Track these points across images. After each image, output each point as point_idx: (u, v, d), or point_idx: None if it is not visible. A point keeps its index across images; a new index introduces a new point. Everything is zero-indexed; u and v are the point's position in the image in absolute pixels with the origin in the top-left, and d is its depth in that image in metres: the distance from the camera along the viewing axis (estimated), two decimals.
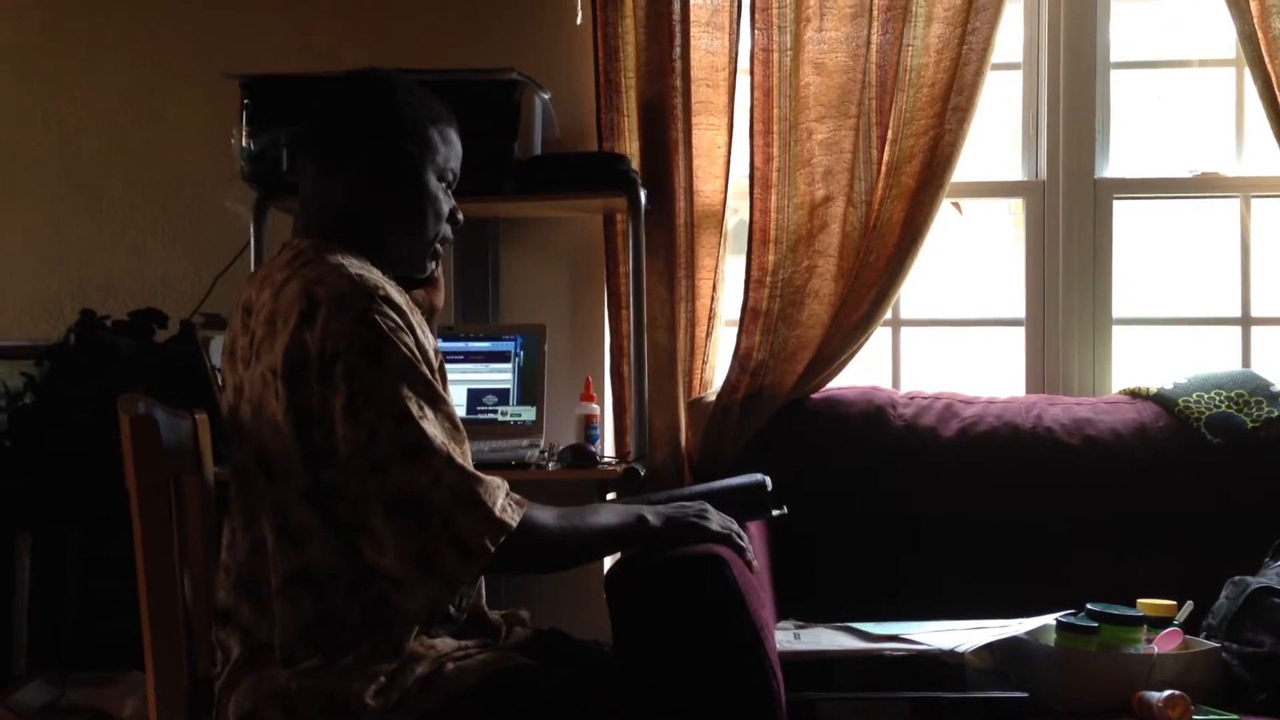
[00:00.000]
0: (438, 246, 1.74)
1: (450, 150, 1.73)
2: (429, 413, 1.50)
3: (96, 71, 2.87)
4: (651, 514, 1.71)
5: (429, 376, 1.52)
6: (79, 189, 2.88)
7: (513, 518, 1.51)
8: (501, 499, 1.52)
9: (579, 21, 2.70)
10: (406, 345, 1.51)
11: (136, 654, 1.52)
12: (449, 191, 1.74)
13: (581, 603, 2.46)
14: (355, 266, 1.56)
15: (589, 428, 2.54)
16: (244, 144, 2.42)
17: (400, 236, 1.69)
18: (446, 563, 1.47)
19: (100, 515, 2.24)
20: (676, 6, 2.59)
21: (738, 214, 2.72)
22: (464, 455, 1.53)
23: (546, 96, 2.65)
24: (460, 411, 2.51)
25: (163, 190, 2.86)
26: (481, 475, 1.51)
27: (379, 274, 1.60)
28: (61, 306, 2.84)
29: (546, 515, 1.59)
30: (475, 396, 2.61)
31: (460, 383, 2.61)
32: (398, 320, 1.52)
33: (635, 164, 2.60)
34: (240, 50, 2.78)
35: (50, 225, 2.89)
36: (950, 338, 2.93)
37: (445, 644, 1.60)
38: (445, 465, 1.48)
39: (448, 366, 2.61)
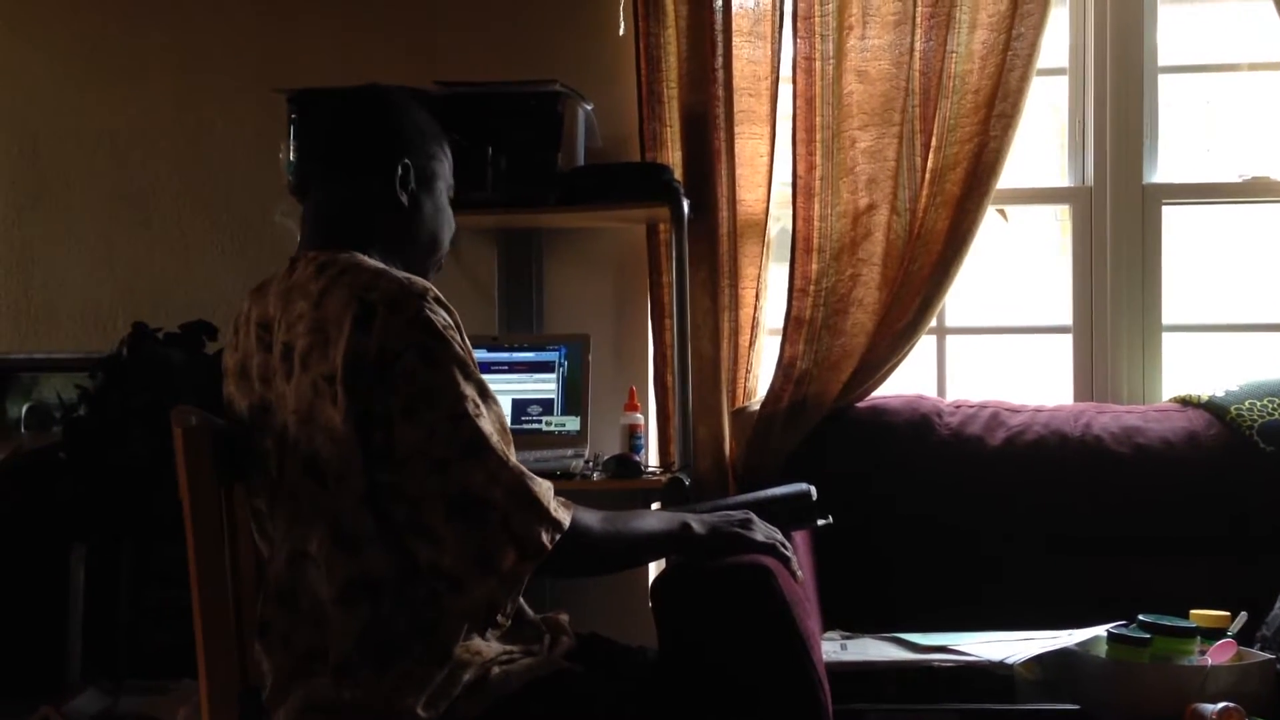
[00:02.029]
0: (441, 258, 1.77)
1: (450, 165, 1.76)
2: (484, 410, 1.51)
3: (146, 88, 2.92)
4: (696, 522, 1.72)
5: (480, 375, 1.54)
6: (130, 203, 2.93)
7: (565, 517, 1.53)
8: (552, 499, 1.53)
9: (621, 32, 2.71)
10: (459, 343, 1.53)
11: (189, 662, 1.53)
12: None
13: (623, 607, 2.46)
14: (397, 271, 1.57)
15: (633, 437, 2.54)
16: (291, 157, 2.45)
17: (415, 248, 1.70)
18: (505, 561, 1.48)
19: (153, 525, 2.27)
20: (718, 16, 2.60)
21: (780, 222, 2.72)
22: (514, 453, 1.54)
23: (589, 107, 2.66)
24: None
25: (212, 203, 2.90)
26: (533, 474, 1.53)
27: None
28: (114, 319, 2.89)
29: (592, 518, 1.60)
30: (520, 407, 2.62)
31: (505, 393, 2.62)
32: (448, 319, 1.53)
33: (678, 174, 2.60)
34: (287, 65, 2.81)
35: (102, 239, 2.93)
36: (996, 346, 2.91)
37: (490, 649, 1.60)
38: (501, 464, 1.49)
39: (493, 377, 2.66)
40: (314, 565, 1.53)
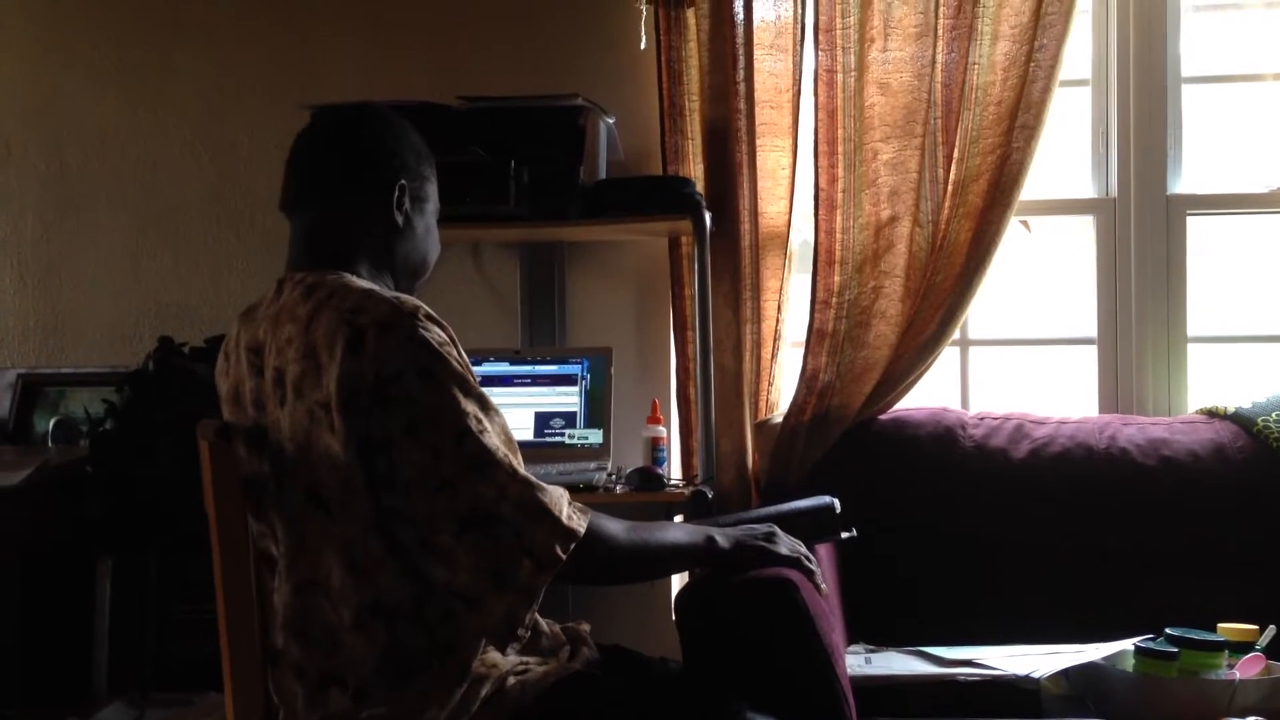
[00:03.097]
0: (425, 280, 1.76)
1: (436, 187, 1.75)
2: (486, 424, 1.50)
3: (172, 104, 2.95)
4: (720, 536, 1.71)
5: (480, 388, 1.53)
6: (156, 219, 2.95)
7: (580, 524, 1.52)
8: (566, 507, 1.52)
9: (643, 46, 2.72)
10: (455, 359, 1.51)
11: (215, 676, 1.53)
12: None
13: (646, 619, 2.46)
14: (385, 290, 1.56)
15: (656, 450, 2.54)
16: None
17: (404, 269, 1.69)
18: (521, 574, 1.47)
19: (179, 539, 2.28)
20: (740, 30, 2.60)
21: (802, 235, 2.72)
22: (521, 463, 1.53)
23: (611, 121, 2.67)
24: (527, 435, 2.58)
25: (237, 219, 2.92)
26: (544, 484, 1.51)
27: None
28: (140, 334, 2.92)
29: (615, 526, 1.59)
30: (542, 419, 2.63)
31: (527, 406, 2.63)
32: (443, 334, 1.52)
33: (700, 186, 2.61)
34: (312, 81, 2.84)
35: (128, 255, 2.96)
36: (1020, 357, 2.90)
37: (506, 661, 1.60)
38: (510, 478, 1.48)
39: (515, 390, 2.67)
40: (323, 594, 1.51)
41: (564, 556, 1.49)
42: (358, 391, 1.45)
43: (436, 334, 1.50)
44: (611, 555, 1.58)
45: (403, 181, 1.66)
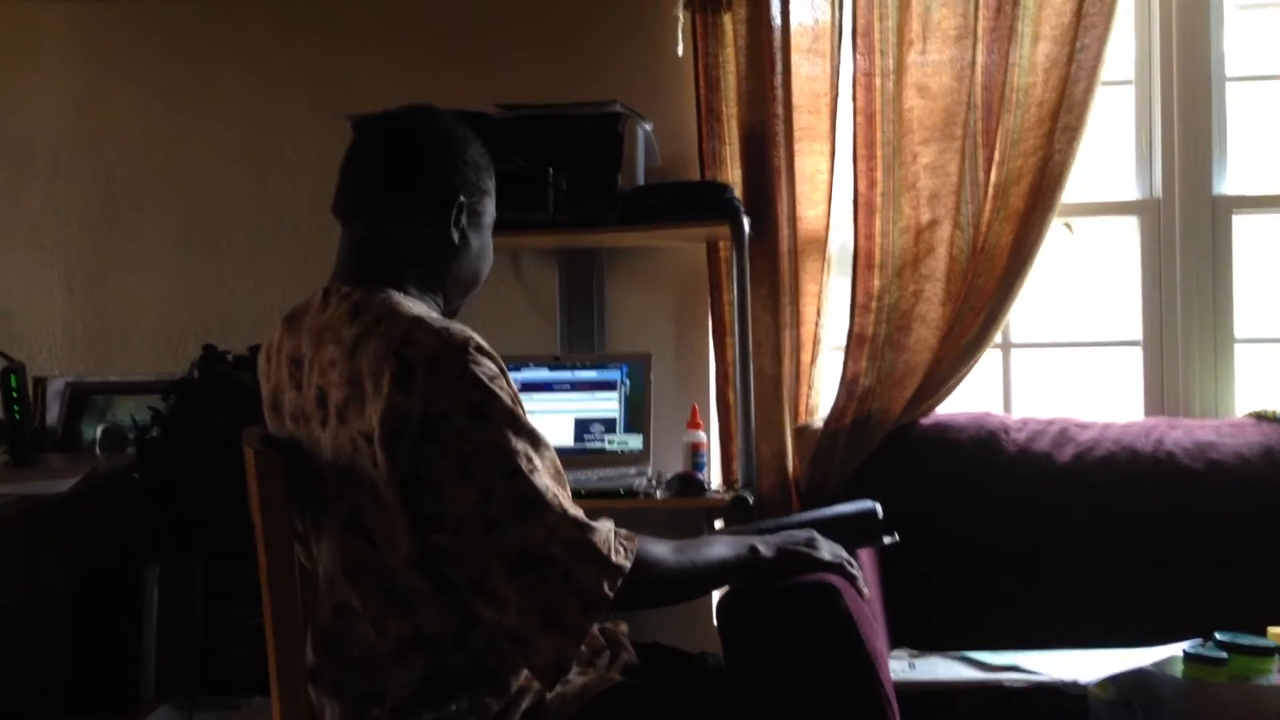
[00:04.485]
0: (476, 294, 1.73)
1: (494, 198, 1.70)
2: (537, 463, 1.46)
3: (215, 117, 2.98)
4: (763, 545, 1.70)
5: (530, 424, 1.49)
6: (200, 229, 2.99)
7: (626, 559, 1.48)
8: (613, 541, 1.49)
9: (680, 52, 2.72)
10: (507, 392, 1.47)
11: (261, 680, 1.54)
12: None
13: (683, 614, 2.44)
14: (434, 318, 1.51)
15: (696, 455, 2.54)
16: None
17: (456, 286, 1.66)
18: (569, 615, 1.43)
19: (226, 545, 2.31)
20: (777, 34, 2.60)
21: (841, 239, 2.71)
22: (570, 498, 1.50)
23: (649, 127, 2.68)
24: (567, 440, 2.59)
25: (280, 229, 2.95)
26: (592, 523, 1.48)
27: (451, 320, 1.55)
28: (185, 342, 2.95)
29: (661, 549, 1.57)
30: (582, 425, 2.63)
31: (567, 412, 2.63)
32: (494, 367, 1.48)
33: (738, 192, 2.61)
34: (351, 91, 2.86)
35: (173, 264, 3.00)
36: (1064, 360, 2.87)
37: None
38: (561, 520, 1.44)
39: (555, 395, 2.67)
40: (360, 620, 1.50)
41: (611, 595, 1.45)
42: (404, 428, 1.41)
43: (487, 367, 1.46)
44: (661, 580, 1.55)
45: (462, 199, 1.61)
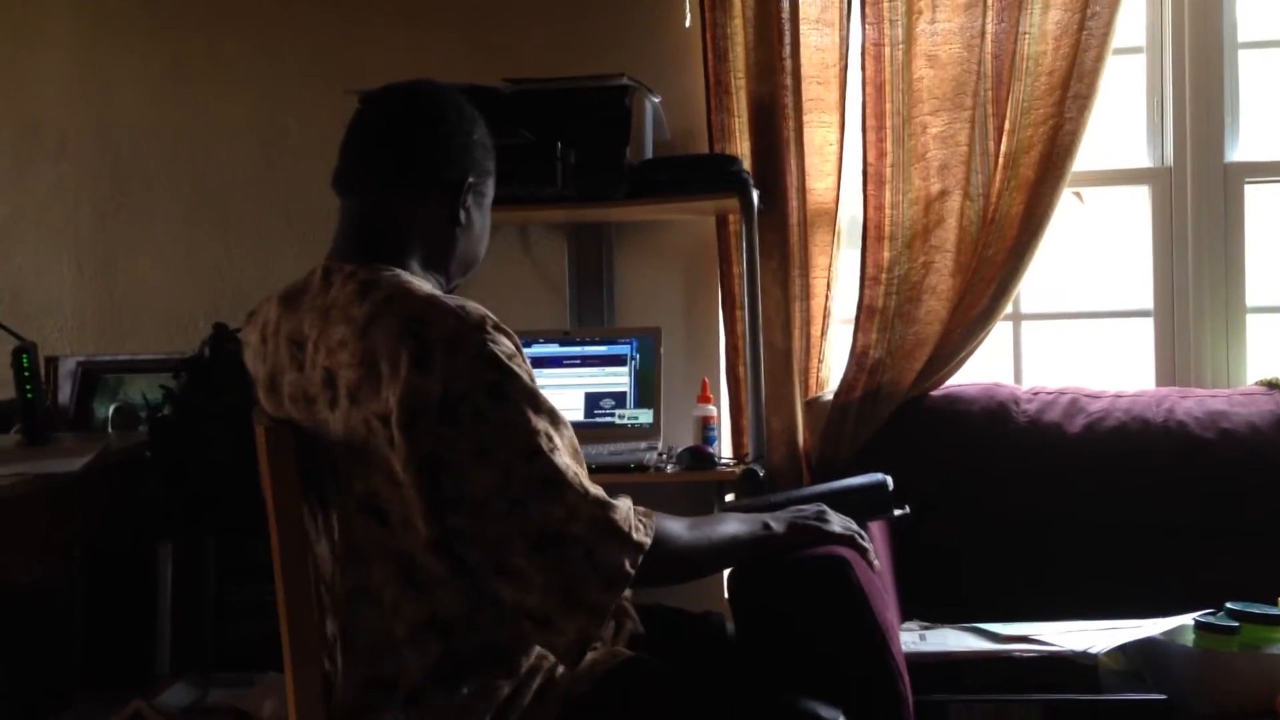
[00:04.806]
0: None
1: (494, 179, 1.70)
2: (557, 441, 1.46)
3: (223, 94, 2.98)
4: (775, 521, 1.70)
5: (549, 402, 1.48)
6: (208, 207, 2.99)
7: (646, 536, 1.48)
8: (633, 519, 1.49)
9: (688, 24, 2.71)
10: (524, 370, 1.46)
11: (274, 656, 1.55)
12: None
13: None
14: (447, 297, 1.49)
15: (706, 429, 2.54)
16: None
17: (458, 265, 1.66)
18: (591, 593, 1.43)
19: (238, 522, 2.32)
20: (785, 5, 2.58)
21: (850, 210, 2.70)
22: (588, 477, 1.49)
23: (657, 100, 2.66)
24: (578, 415, 2.59)
25: (288, 205, 2.95)
26: (611, 500, 1.48)
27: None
28: (195, 320, 2.96)
29: (677, 526, 1.57)
30: (593, 400, 2.64)
31: (577, 386, 2.64)
32: (510, 345, 1.47)
33: (747, 164, 2.59)
34: (358, 66, 2.85)
35: (182, 242, 3.00)
36: (1075, 331, 2.86)
37: None
38: (581, 498, 1.43)
39: (565, 371, 2.68)
40: (373, 602, 1.50)
41: (632, 571, 1.45)
42: (423, 410, 1.40)
43: (505, 345, 1.45)
44: (679, 557, 1.55)
45: (471, 179, 1.62)
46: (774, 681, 1.62)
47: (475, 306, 1.47)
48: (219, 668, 2.44)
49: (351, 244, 1.59)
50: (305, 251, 2.91)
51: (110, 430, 2.73)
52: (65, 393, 2.85)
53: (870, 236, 2.56)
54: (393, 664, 1.49)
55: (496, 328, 1.46)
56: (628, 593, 1.77)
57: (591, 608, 1.43)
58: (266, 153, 2.96)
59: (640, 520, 1.50)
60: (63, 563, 2.41)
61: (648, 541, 1.48)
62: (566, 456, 1.46)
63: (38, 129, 3.05)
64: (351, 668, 1.52)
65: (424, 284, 1.53)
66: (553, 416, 1.47)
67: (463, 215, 1.62)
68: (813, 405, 2.63)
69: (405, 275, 1.53)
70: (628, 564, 1.45)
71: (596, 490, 1.47)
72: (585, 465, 1.51)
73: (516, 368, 1.45)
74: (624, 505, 1.49)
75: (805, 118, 2.62)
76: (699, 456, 2.44)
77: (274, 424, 1.54)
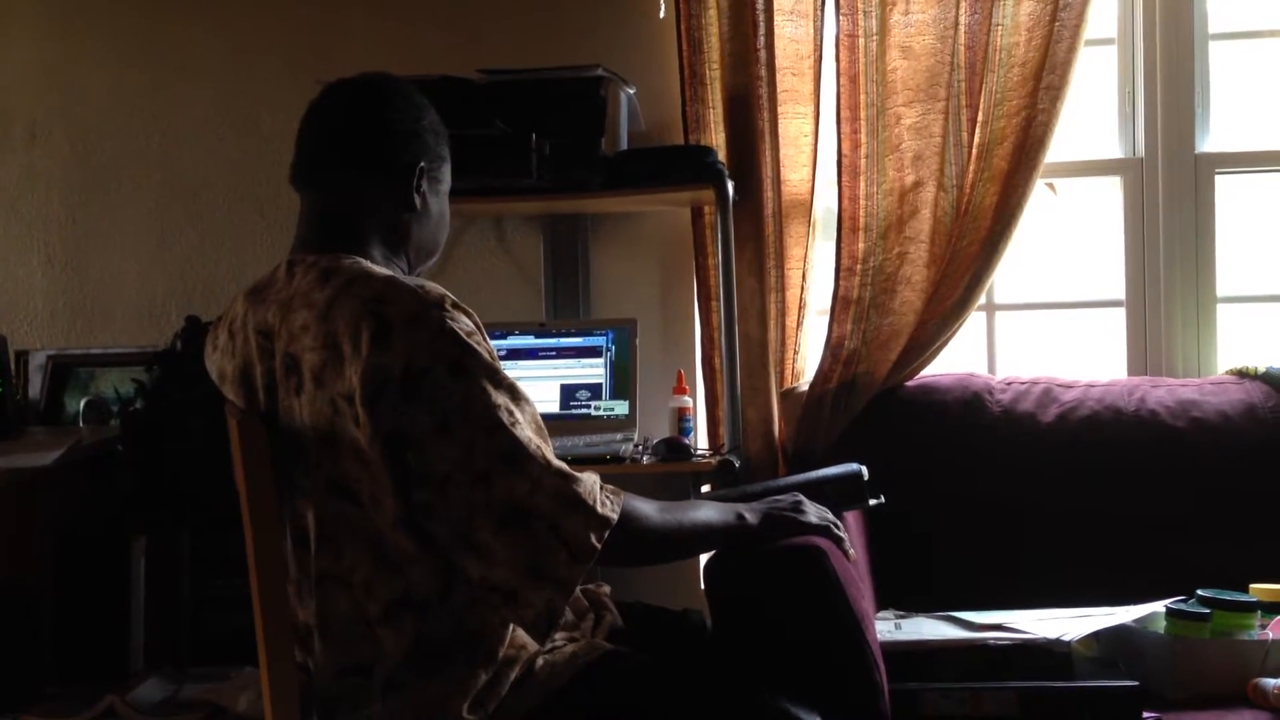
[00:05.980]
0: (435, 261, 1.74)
1: (449, 168, 1.72)
2: (519, 416, 1.47)
3: (194, 84, 2.95)
4: (749, 512, 1.71)
5: (509, 378, 1.49)
6: (179, 198, 2.97)
7: (613, 510, 1.49)
8: (599, 493, 1.50)
9: (662, 15, 2.71)
10: (484, 348, 1.48)
11: (249, 649, 1.54)
12: None
13: (666, 572, 2.44)
14: (407, 278, 1.51)
15: (682, 420, 2.54)
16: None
17: (418, 252, 1.67)
18: (558, 567, 1.44)
19: (211, 515, 2.30)
20: None
21: (825, 202, 2.70)
22: (552, 451, 1.50)
23: (632, 91, 2.66)
24: (553, 407, 2.59)
25: (260, 196, 2.93)
26: (576, 473, 1.49)
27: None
28: (167, 313, 2.94)
29: (648, 507, 1.57)
30: (568, 392, 2.63)
31: (552, 378, 2.63)
32: (470, 323, 1.48)
33: (722, 155, 2.60)
34: (330, 55, 2.84)
35: (153, 235, 2.98)
36: (1048, 321, 2.88)
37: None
38: (543, 470, 1.45)
39: (540, 363, 2.67)
40: (345, 585, 1.50)
41: (599, 546, 1.46)
42: (384, 386, 1.41)
43: (464, 323, 1.47)
44: (645, 537, 1.56)
45: (423, 164, 1.63)
46: (751, 675, 1.63)
47: (434, 286, 1.49)
48: (193, 662, 2.43)
49: (313, 236, 1.61)
50: (278, 242, 2.90)
51: (81, 424, 2.71)
52: (36, 387, 2.82)
53: (845, 227, 2.56)
54: (369, 648, 1.49)
55: (455, 306, 1.48)
56: (606, 588, 1.79)
57: (558, 581, 1.44)
58: (239, 142, 2.94)
59: (607, 496, 1.51)
60: (34, 557, 2.39)
61: (614, 517, 1.49)
62: (529, 430, 1.47)
63: (6, 119, 3.01)
64: (327, 655, 1.52)
65: (384, 269, 1.55)
66: (513, 392, 1.49)
67: (418, 200, 1.64)
68: (788, 396, 2.63)
69: (365, 262, 1.55)
70: (594, 538, 1.46)
71: (559, 463, 1.48)
72: (549, 441, 1.52)
73: (476, 345, 1.46)
74: (589, 479, 1.50)
75: (780, 109, 2.62)
76: (675, 448, 2.44)
77: (246, 416, 1.53)
